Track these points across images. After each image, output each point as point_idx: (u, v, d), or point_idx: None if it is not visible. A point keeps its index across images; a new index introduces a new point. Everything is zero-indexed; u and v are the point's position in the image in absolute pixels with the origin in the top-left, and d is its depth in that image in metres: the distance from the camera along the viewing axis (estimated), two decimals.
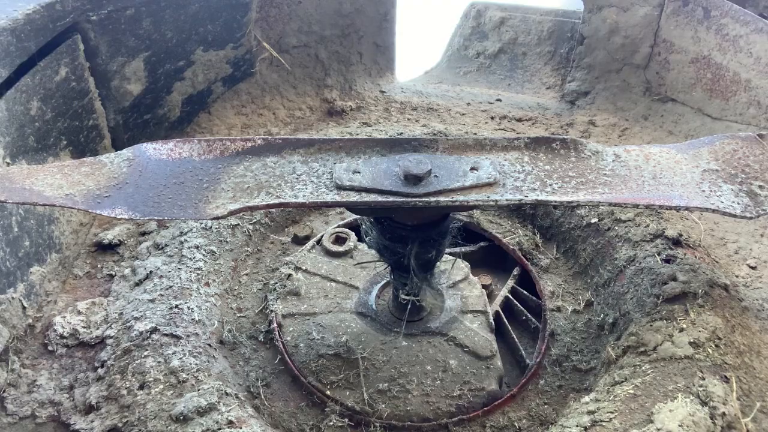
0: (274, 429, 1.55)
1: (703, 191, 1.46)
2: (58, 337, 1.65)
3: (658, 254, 1.84)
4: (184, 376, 1.49)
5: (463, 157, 1.48)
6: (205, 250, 1.90)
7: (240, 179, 1.41)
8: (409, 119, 2.77)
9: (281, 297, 1.89)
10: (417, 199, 1.35)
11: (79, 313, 1.72)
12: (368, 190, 1.37)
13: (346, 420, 1.59)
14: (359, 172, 1.40)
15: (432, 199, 1.35)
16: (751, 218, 1.42)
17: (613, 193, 1.42)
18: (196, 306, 1.73)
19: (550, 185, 1.42)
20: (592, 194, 1.41)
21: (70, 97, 1.97)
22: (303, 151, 1.50)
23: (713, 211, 1.41)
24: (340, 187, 1.37)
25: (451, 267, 1.98)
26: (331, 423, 1.58)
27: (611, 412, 1.41)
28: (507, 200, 1.37)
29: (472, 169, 1.42)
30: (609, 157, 1.53)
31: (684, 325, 1.60)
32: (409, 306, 1.76)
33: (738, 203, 1.44)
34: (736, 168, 1.54)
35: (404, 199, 1.35)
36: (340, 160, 1.46)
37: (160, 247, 1.89)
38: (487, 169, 1.42)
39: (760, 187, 1.48)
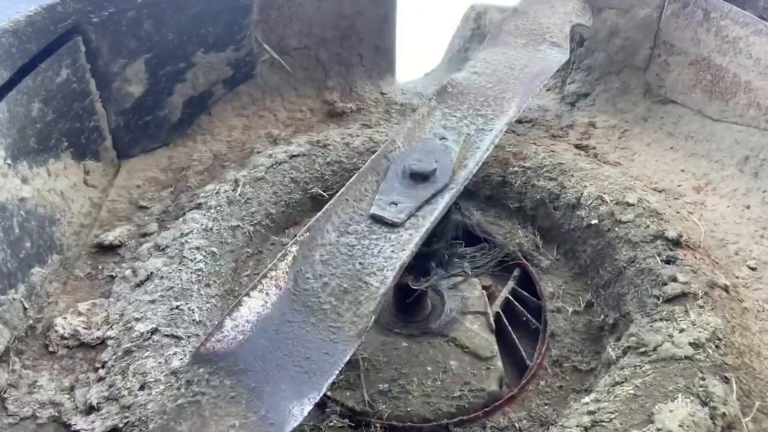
0: None
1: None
2: (58, 338, 1.65)
3: (659, 255, 1.84)
4: None
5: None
6: (205, 251, 1.90)
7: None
8: None
9: None
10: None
11: (80, 314, 1.72)
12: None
13: (347, 420, 1.59)
14: (395, 203, 1.38)
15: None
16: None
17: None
18: (197, 307, 1.73)
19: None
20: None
21: (72, 98, 1.97)
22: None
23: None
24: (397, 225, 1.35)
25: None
26: (332, 423, 1.58)
27: (611, 413, 1.41)
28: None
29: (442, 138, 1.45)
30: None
31: (684, 326, 1.60)
32: (413, 300, 1.76)
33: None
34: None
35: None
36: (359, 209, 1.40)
37: (161, 248, 1.89)
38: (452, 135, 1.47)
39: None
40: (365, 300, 1.19)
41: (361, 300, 1.19)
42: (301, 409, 1.03)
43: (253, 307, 1.14)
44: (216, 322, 1.22)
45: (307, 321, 1.15)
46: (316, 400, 1.05)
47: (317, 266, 1.24)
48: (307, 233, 1.28)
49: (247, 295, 1.15)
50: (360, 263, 1.25)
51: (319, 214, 1.33)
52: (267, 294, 1.16)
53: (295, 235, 2.12)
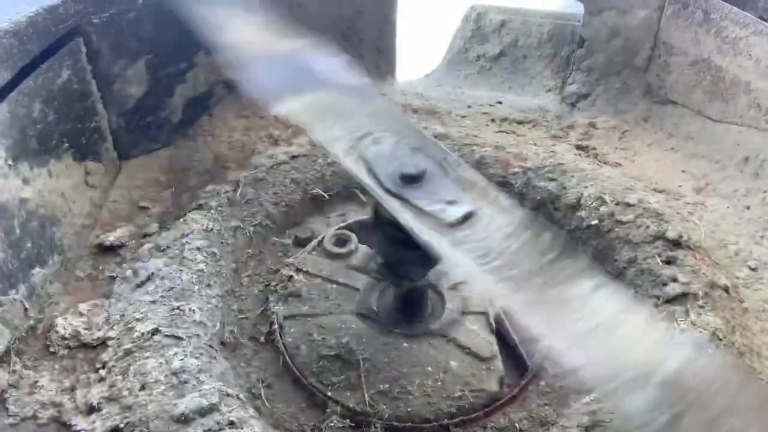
0: (275, 430, 1.55)
1: None
2: (59, 339, 1.65)
3: (659, 256, 1.84)
4: (185, 377, 1.49)
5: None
6: (206, 251, 1.90)
7: None
8: None
9: (282, 298, 1.89)
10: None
11: (81, 314, 1.73)
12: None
13: (347, 421, 1.59)
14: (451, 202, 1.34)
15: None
16: None
17: None
18: (198, 307, 1.73)
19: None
20: None
21: (72, 99, 1.98)
22: None
23: None
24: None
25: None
26: (332, 424, 1.58)
27: (612, 413, 1.41)
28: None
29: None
30: None
31: (684, 326, 1.61)
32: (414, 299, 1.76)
33: None
34: None
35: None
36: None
37: (162, 248, 1.89)
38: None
39: None
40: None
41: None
42: None
43: None
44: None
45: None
46: None
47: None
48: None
49: None
50: (507, 250, 1.21)
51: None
52: None
53: (296, 236, 2.13)
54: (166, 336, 1.60)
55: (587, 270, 1.12)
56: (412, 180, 1.37)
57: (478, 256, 1.20)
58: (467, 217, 1.28)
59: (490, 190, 1.33)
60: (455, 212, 1.29)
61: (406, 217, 1.32)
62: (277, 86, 1.54)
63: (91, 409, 1.47)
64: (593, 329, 1.02)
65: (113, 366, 1.55)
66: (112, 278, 1.87)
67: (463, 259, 1.21)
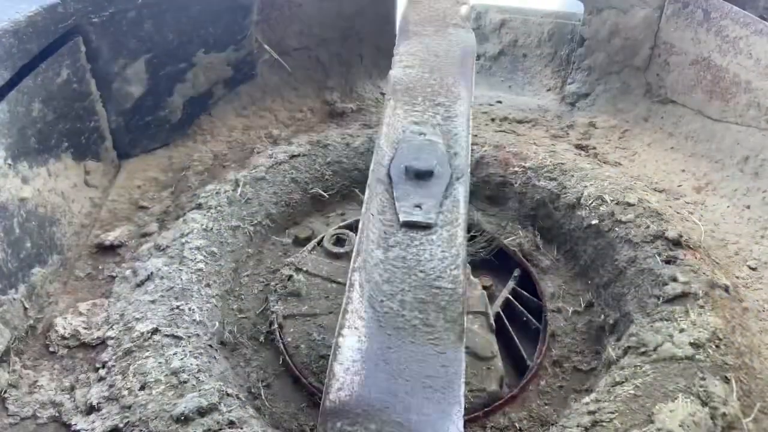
0: (275, 429, 1.55)
1: None
2: (59, 338, 1.65)
3: (659, 255, 1.84)
4: (185, 376, 1.49)
5: None
6: (206, 251, 1.90)
7: None
8: None
9: (282, 298, 1.89)
10: None
11: (81, 314, 1.72)
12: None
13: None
14: (419, 206, 1.37)
15: None
16: None
17: None
18: (197, 307, 1.73)
19: None
20: None
21: (72, 98, 1.97)
22: None
23: None
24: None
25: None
26: None
27: (612, 413, 1.41)
28: None
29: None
30: None
31: (684, 326, 1.61)
32: None
33: None
34: None
35: None
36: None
37: (161, 248, 1.89)
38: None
39: None
40: (448, 304, 1.17)
41: (444, 305, 1.17)
42: (457, 427, 1.00)
43: (351, 344, 1.09)
44: (324, 376, 1.15)
45: (405, 342, 1.11)
46: (463, 413, 1.02)
47: (384, 287, 1.20)
48: (359, 257, 1.25)
49: (340, 335, 1.10)
50: (421, 271, 1.23)
51: (357, 237, 1.31)
52: (356, 328, 1.12)
53: (296, 236, 2.13)
54: (166, 336, 1.60)
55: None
56: (414, 175, 1.40)
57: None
58: (419, 227, 1.31)
59: (462, 218, 1.34)
60: (413, 216, 1.33)
61: (374, 200, 1.37)
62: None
63: (90, 409, 1.47)
64: None
65: (113, 366, 1.55)
66: (112, 278, 1.87)
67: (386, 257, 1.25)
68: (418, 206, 1.35)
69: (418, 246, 1.28)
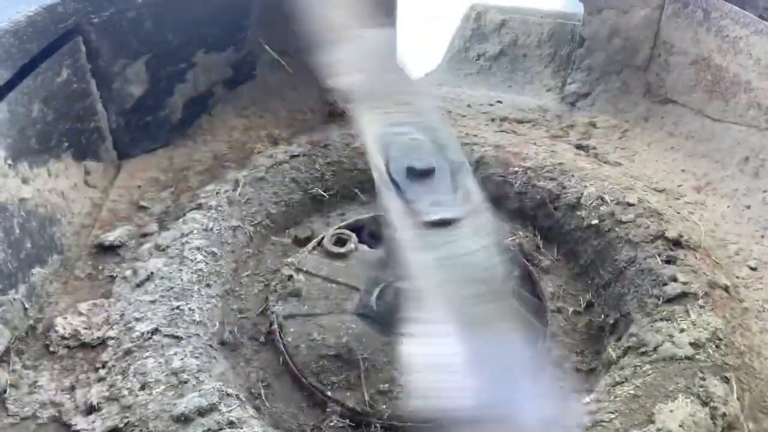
0: (275, 429, 1.55)
1: None
2: (59, 338, 1.65)
3: (659, 255, 1.84)
4: (185, 376, 1.49)
5: None
6: (206, 251, 1.90)
7: None
8: None
9: (282, 298, 1.89)
10: None
11: (81, 314, 1.72)
12: None
13: (347, 420, 1.59)
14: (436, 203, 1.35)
15: None
16: None
17: None
18: (197, 307, 1.73)
19: None
20: None
21: (72, 99, 1.97)
22: None
23: None
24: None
25: None
26: (332, 423, 1.58)
27: (612, 413, 1.41)
28: None
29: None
30: None
31: (684, 326, 1.61)
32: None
33: None
34: None
35: None
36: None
37: (162, 248, 1.89)
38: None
39: None
40: (497, 294, 1.17)
41: (494, 298, 1.16)
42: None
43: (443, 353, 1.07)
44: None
45: (478, 338, 1.09)
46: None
47: (435, 290, 1.19)
48: (402, 268, 1.25)
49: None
50: (462, 267, 1.22)
51: (385, 250, 1.30)
52: (446, 335, 1.10)
53: (296, 236, 2.13)
54: (166, 336, 1.60)
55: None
56: (417, 174, 1.39)
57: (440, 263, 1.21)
58: (446, 223, 1.29)
59: (482, 205, 1.33)
60: (436, 215, 1.30)
61: (391, 207, 1.34)
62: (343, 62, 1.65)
63: (90, 409, 1.47)
64: None
65: (113, 366, 1.55)
66: (112, 278, 1.87)
67: (425, 261, 1.23)
68: (436, 204, 1.34)
69: (450, 244, 1.27)
